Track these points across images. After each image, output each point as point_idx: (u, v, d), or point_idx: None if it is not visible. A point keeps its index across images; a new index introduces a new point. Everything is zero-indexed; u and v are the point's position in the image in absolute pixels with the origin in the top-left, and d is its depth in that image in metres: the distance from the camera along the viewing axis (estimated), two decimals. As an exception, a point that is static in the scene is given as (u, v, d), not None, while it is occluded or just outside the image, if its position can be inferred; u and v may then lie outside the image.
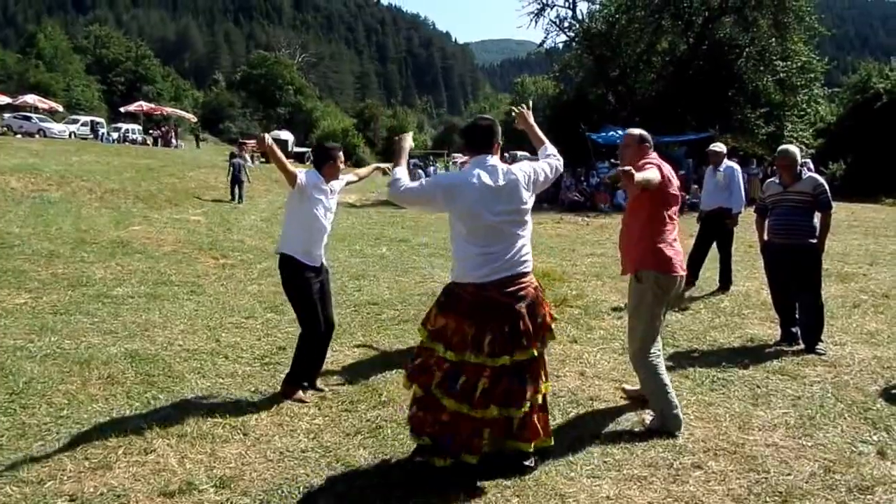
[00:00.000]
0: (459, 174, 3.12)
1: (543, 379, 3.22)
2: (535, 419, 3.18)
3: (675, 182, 3.89)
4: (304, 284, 4.10)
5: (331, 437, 3.63)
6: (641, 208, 3.80)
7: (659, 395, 3.72)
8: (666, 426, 3.67)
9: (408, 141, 3.38)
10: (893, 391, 4.29)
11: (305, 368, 4.21)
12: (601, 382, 4.49)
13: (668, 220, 3.80)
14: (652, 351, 3.76)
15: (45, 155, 18.77)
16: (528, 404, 3.09)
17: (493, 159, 3.10)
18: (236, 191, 17.27)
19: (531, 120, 3.52)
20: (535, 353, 3.09)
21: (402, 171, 3.13)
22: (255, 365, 4.85)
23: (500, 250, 3.02)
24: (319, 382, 4.34)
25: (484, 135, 3.13)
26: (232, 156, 18.91)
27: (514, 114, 3.64)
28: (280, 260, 4.19)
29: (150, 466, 3.25)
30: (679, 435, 3.63)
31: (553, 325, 3.25)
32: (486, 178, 3.00)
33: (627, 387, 4.31)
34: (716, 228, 7.46)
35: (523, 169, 3.17)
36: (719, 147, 7.67)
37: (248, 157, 20.61)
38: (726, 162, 7.56)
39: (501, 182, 3.03)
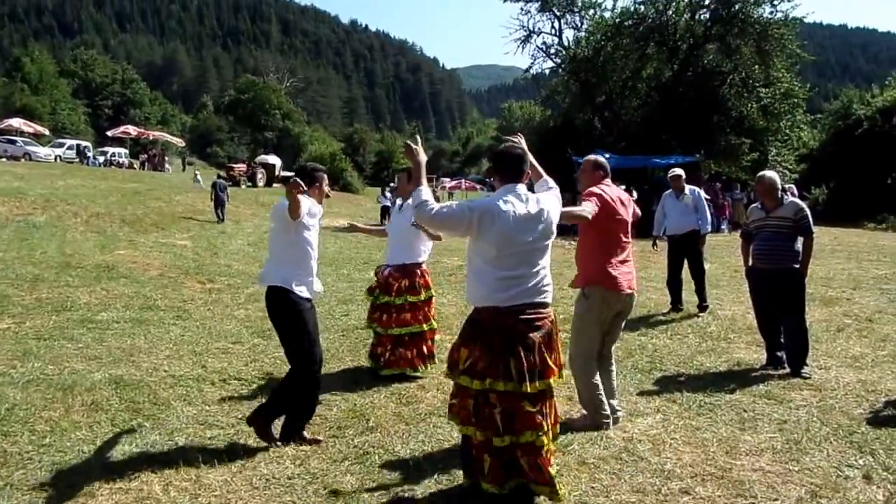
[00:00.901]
0: (490, 200, 3.08)
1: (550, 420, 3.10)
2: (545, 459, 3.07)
3: (628, 207, 4.17)
4: (299, 318, 3.75)
5: (318, 463, 3.60)
6: (591, 228, 4.03)
7: (593, 400, 4.07)
8: (594, 425, 4.05)
9: (422, 154, 3.21)
10: (878, 415, 4.33)
11: (295, 413, 3.82)
12: (589, 407, 4.48)
13: (619, 240, 4.10)
14: (591, 360, 4.11)
15: (30, 178, 18.67)
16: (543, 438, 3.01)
17: (522, 188, 3.14)
18: (220, 212, 17.74)
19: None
20: (540, 388, 3.02)
21: (427, 192, 3.04)
22: (242, 391, 4.81)
23: (525, 274, 3.04)
24: (307, 433, 3.89)
25: (516, 164, 3.17)
26: (217, 176, 19.97)
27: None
28: (270, 292, 3.81)
29: (133, 494, 3.20)
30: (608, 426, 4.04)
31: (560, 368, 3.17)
32: (519, 205, 3.04)
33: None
34: (687, 250, 7.66)
35: (550, 199, 3.24)
36: (679, 172, 7.97)
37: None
38: (687, 186, 7.80)
39: (533, 210, 3.08)
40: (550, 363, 3.05)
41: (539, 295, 3.07)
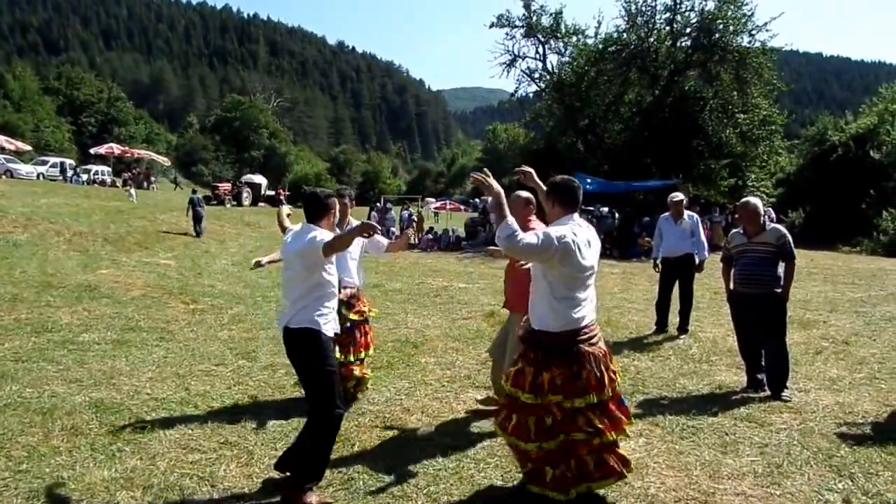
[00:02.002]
0: (565, 230, 3.30)
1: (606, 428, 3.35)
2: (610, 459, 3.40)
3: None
4: (327, 359, 3.52)
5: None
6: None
7: None
8: None
9: (496, 185, 3.32)
10: (856, 437, 4.40)
11: (307, 462, 3.48)
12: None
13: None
14: None
15: (11, 196, 18.43)
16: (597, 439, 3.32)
17: (577, 216, 3.47)
18: (198, 228, 17.98)
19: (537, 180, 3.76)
20: (595, 400, 3.31)
21: (514, 223, 3.22)
22: (225, 415, 4.76)
23: (589, 296, 3.44)
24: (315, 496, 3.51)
25: (574, 194, 3.49)
26: (193, 192, 20.49)
27: (520, 175, 3.93)
28: (299, 334, 3.51)
29: (113, 522, 3.15)
30: None
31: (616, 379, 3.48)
32: (581, 234, 3.35)
33: (479, 398, 4.98)
34: (681, 274, 7.72)
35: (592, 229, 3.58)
36: (681, 196, 8.03)
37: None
38: (686, 211, 7.88)
39: (592, 238, 3.45)
40: (612, 371, 3.42)
41: (594, 313, 3.49)
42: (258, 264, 4.49)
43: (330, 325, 3.60)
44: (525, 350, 3.46)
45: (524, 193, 4.46)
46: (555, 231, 3.26)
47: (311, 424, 3.51)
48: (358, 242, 4.78)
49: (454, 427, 4.59)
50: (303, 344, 3.52)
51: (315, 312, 3.53)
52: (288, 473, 3.53)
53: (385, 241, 5.07)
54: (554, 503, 3.32)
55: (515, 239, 3.15)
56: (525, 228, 3.68)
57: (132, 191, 26.85)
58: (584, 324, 3.34)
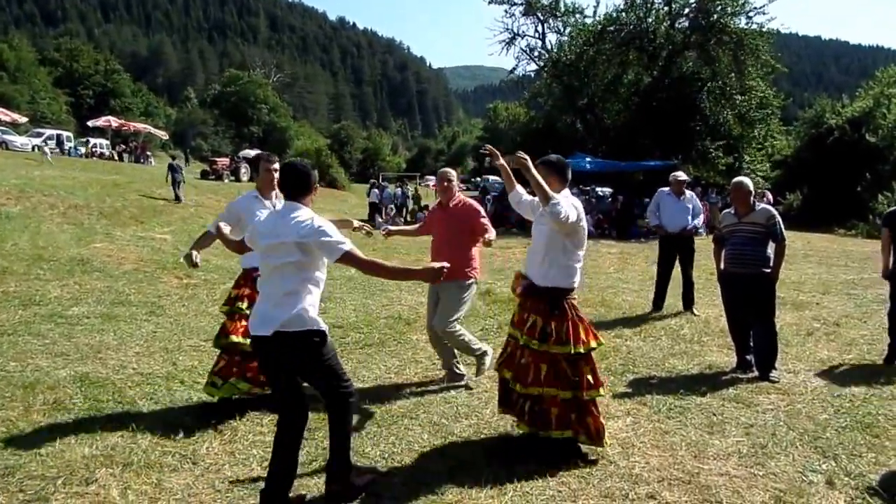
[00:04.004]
0: (576, 201, 3.81)
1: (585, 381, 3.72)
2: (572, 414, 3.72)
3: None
4: (330, 350, 3.20)
5: (284, 465, 3.54)
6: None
7: (471, 344, 5.00)
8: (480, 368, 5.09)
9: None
10: (843, 419, 4.38)
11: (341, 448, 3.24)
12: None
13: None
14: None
15: (4, 168, 18.29)
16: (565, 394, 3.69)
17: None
18: (177, 191, 18.83)
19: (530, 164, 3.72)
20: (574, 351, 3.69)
21: (566, 202, 3.65)
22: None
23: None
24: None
25: (568, 171, 3.98)
26: (172, 158, 21.74)
27: (506, 158, 3.98)
28: (299, 338, 3.05)
29: (89, 498, 3.13)
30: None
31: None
32: (578, 203, 3.84)
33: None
34: (681, 250, 7.76)
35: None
36: (684, 176, 8.12)
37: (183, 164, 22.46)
38: (686, 191, 7.96)
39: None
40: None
41: None
42: (194, 264, 4.01)
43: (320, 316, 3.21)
44: (531, 304, 3.83)
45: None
46: (575, 203, 3.75)
47: (335, 417, 3.19)
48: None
49: (442, 405, 4.57)
50: (305, 348, 3.07)
51: (313, 310, 3.09)
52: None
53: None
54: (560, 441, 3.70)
55: (564, 214, 3.57)
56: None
57: (46, 149, 27.12)
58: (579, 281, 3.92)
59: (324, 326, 3.14)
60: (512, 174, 4.13)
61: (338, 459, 3.20)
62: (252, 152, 37.61)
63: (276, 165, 4.17)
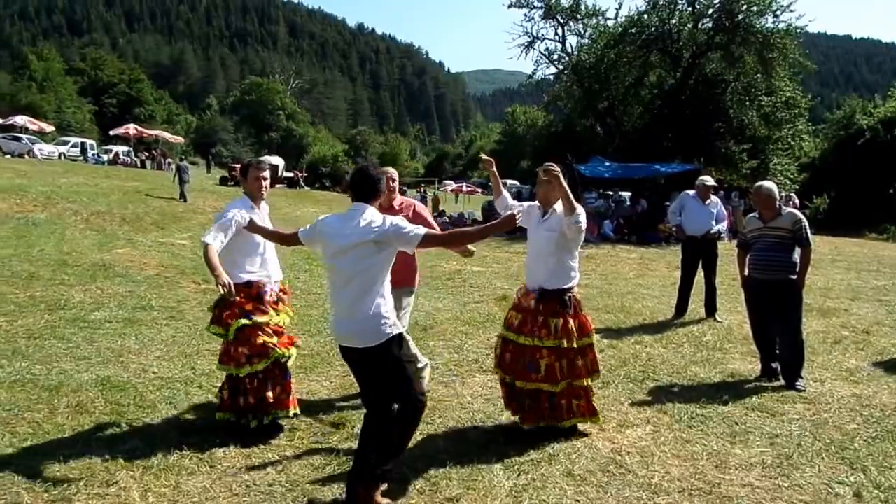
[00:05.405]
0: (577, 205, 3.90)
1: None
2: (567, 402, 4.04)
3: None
4: (406, 354, 3.29)
5: (299, 470, 3.55)
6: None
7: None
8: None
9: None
10: (872, 430, 4.27)
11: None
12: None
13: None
14: None
15: (32, 175, 18.68)
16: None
17: None
18: (182, 190, 19.58)
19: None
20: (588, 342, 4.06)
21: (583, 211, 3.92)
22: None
23: None
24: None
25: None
26: (181, 159, 22.71)
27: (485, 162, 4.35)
28: (382, 350, 3.11)
29: (110, 500, 3.16)
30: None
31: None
32: None
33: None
34: (705, 255, 7.66)
35: None
36: (712, 182, 8.04)
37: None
38: (712, 196, 7.89)
39: None
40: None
41: None
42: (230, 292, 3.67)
43: None
44: (544, 307, 3.98)
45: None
46: (579, 208, 3.88)
47: (402, 419, 3.19)
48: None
49: (458, 412, 4.55)
50: (387, 356, 3.11)
51: (391, 315, 3.15)
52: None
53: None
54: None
55: (584, 223, 3.92)
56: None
57: (35, 150, 28.91)
58: None
59: (400, 330, 3.22)
60: (500, 182, 4.43)
61: (380, 461, 3.17)
62: (272, 159, 38.04)
63: (266, 173, 4.16)
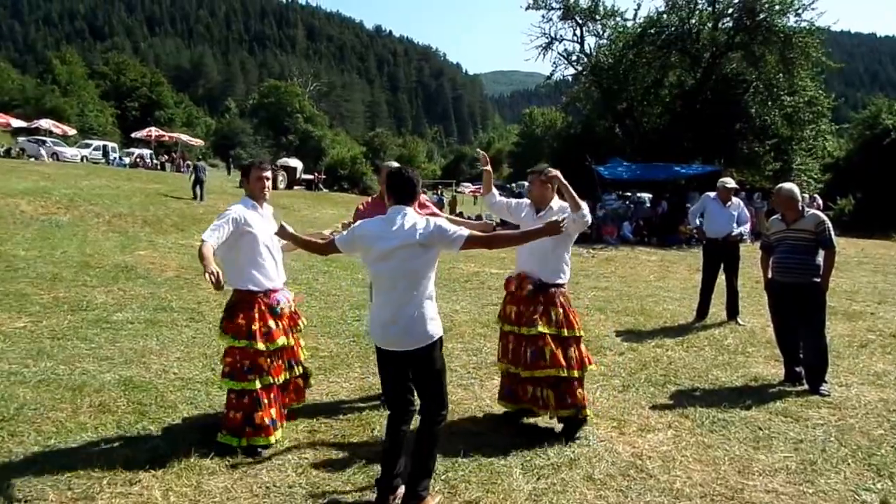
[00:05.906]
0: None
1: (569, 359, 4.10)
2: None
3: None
4: (442, 356, 3.33)
5: (320, 472, 3.56)
6: None
7: None
8: None
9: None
10: (899, 436, 4.17)
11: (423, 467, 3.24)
12: (598, 420, 4.39)
13: None
14: None
15: (56, 178, 19.01)
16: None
17: None
18: (198, 190, 20.12)
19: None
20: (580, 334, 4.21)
21: (587, 208, 4.07)
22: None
23: None
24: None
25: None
26: (198, 159, 23.34)
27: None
28: (425, 352, 3.15)
29: (133, 499, 3.19)
30: None
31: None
32: None
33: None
34: (726, 258, 7.59)
35: None
36: (734, 184, 7.95)
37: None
38: (733, 198, 7.80)
39: None
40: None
41: None
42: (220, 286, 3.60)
43: None
44: (543, 297, 4.12)
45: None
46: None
47: (429, 428, 3.20)
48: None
49: (477, 414, 4.53)
50: (429, 358, 3.16)
51: (437, 316, 3.20)
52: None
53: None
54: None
55: (588, 217, 4.07)
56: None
57: (42, 151, 30.07)
58: None
59: (441, 332, 3.25)
60: (492, 180, 4.59)
61: (420, 474, 3.16)
62: (290, 161, 38.34)
63: (268, 173, 4.09)
